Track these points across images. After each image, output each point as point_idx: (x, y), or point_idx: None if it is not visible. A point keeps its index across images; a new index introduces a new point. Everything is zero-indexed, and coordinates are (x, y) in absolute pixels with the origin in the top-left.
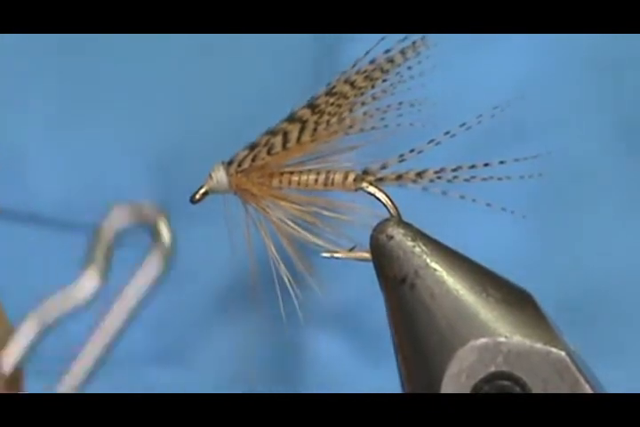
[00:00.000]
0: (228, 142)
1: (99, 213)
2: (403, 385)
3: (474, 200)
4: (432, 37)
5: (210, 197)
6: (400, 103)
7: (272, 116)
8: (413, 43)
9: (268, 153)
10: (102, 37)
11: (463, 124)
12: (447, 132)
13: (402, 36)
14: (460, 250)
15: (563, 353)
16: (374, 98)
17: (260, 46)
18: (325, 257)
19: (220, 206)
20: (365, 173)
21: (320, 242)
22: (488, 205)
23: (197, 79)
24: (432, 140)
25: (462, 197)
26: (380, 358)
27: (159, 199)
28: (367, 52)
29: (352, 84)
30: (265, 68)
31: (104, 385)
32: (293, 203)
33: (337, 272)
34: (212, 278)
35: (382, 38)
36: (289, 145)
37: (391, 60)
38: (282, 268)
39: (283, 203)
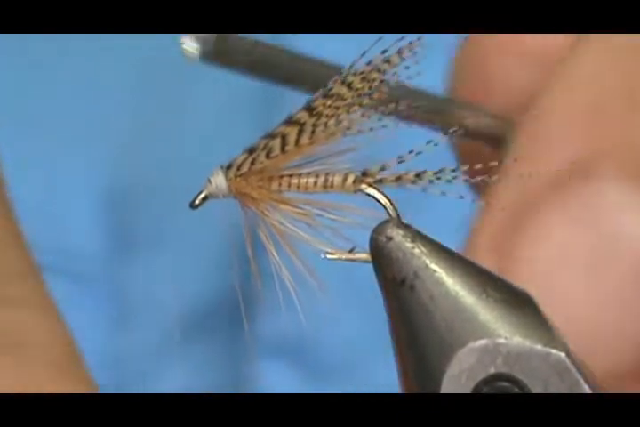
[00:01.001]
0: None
1: (52, 252)
2: (402, 386)
3: (473, 201)
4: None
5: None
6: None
7: (233, 126)
8: (410, 43)
9: (267, 156)
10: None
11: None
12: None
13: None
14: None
15: (562, 354)
16: (372, 99)
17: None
18: (325, 259)
19: (168, 239)
20: (364, 174)
21: (320, 244)
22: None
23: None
24: (430, 141)
25: (462, 198)
26: (330, 390)
27: (111, 235)
28: (363, 53)
29: (349, 86)
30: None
31: None
32: (293, 206)
33: (291, 304)
34: (163, 313)
35: (379, 39)
36: (288, 148)
37: (388, 61)
38: (283, 271)
39: (282, 206)
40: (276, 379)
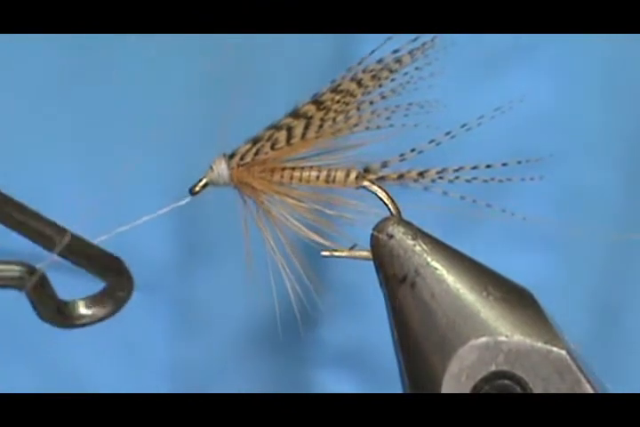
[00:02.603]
0: None
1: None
2: (403, 385)
3: (474, 201)
4: (444, 40)
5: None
6: (409, 104)
7: None
8: (423, 44)
9: (272, 148)
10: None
11: (464, 126)
12: (448, 133)
13: (411, 36)
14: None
15: (563, 352)
16: (382, 97)
17: (271, 47)
18: (325, 256)
19: (235, 249)
20: (367, 171)
21: (320, 239)
22: (488, 206)
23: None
24: (432, 141)
25: (463, 198)
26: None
27: (178, 243)
28: (373, 51)
29: (359, 83)
30: (276, 71)
31: None
32: (294, 199)
33: (348, 310)
34: (227, 322)
35: (389, 38)
36: (293, 140)
37: (399, 61)
38: (279, 259)
39: (283, 198)
40: (331, 387)
